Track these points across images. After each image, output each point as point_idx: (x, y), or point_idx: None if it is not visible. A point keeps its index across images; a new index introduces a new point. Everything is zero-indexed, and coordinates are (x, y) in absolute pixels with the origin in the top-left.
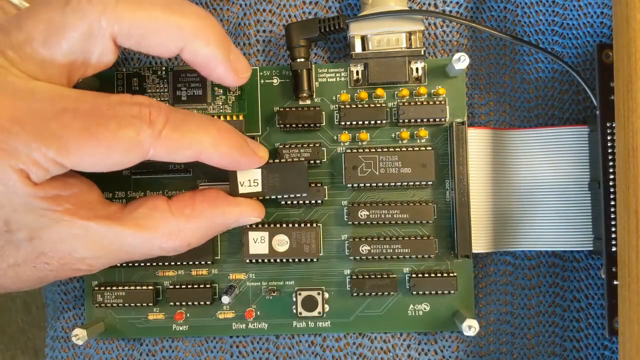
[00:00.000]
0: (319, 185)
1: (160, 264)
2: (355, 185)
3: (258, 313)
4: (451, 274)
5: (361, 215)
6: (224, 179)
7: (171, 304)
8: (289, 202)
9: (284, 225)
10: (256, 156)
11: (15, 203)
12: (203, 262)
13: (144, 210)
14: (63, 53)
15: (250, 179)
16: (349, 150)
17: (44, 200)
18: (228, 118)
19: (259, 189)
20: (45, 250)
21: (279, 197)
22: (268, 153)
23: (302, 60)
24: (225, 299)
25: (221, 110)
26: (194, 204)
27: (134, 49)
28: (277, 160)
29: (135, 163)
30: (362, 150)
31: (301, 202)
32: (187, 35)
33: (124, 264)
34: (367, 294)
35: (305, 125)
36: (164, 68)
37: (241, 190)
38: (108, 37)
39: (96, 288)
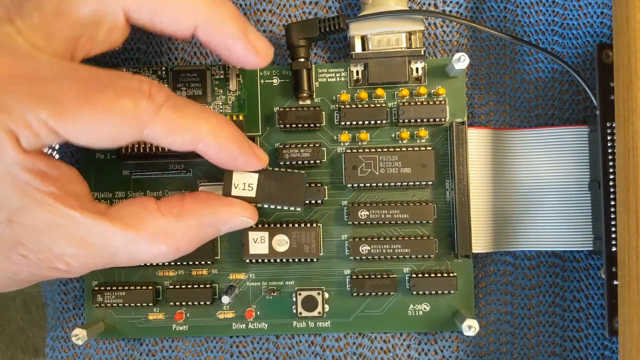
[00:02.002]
0: (319, 185)
1: (161, 264)
2: (355, 185)
3: (258, 313)
4: (451, 274)
5: (361, 215)
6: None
7: (171, 304)
8: None
9: (284, 225)
10: (255, 156)
11: (0, 172)
12: (203, 262)
13: (132, 208)
14: (72, 25)
15: (245, 182)
16: (349, 150)
17: (31, 173)
18: (228, 118)
19: (252, 194)
20: (23, 239)
21: (272, 206)
22: (268, 158)
23: (302, 60)
24: (225, 299)
25: (221, 110)
26: (183, 204)
27: (147, 27)
28: (277, 169)
29: (131, 140)
30: (362, 150)
31: None
32: (200, 11)
33: None
34: (367, 294)
35: (305, 125)
36: (163, 68)
37: (234, 192)
38: (120, 11)
39: (96, 288)
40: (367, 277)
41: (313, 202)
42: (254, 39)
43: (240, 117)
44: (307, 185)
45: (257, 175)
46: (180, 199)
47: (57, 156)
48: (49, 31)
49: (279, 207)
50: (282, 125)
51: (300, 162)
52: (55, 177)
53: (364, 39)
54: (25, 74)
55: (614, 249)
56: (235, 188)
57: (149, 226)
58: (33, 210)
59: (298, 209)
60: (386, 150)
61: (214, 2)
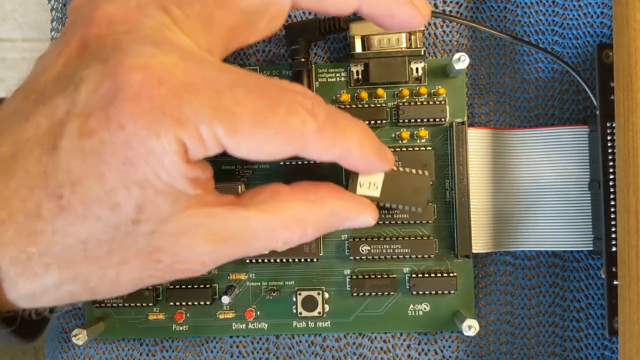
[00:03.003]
0: None
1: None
2: None
3: (258, 313)
4: (451, 274)
5: None
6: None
7: (171, 304)
8: None
9: None
10: (388, 162)
11: (161, 182)
12: None
13: (266, 195)
14: (236, 14)
15: (370, 182)
16: None
17: (189, 182)
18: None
19: (377, 193)
20: (162, 245)
21: (394, 206)
22: (394, 159)
23: (302, 60)
24: (225, 299)
25: None
26: (318, 191)
27: (311, 9)
28: (402, 169)
29: (285, 157)
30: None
31: None
32: None
33: None
34: (367, 294)
35: None
36: None
37: (359, 190)
38: None
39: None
40: (367, 277)
41: None
42: (415, 0)
43: None
44: (427, 201)
45: (382, 174)
46: (315, 186)
47: None
48: (209, 21)
49: (400, 207)
50: None
51: (300, 162)
52: (203, 180)
53: (364, 39)
54: (201, 81)
55: (614, 249)
56: (361, 187)
57: (285, 211)
58: (178, 216)
59: (420, 209)
60: None
61: None
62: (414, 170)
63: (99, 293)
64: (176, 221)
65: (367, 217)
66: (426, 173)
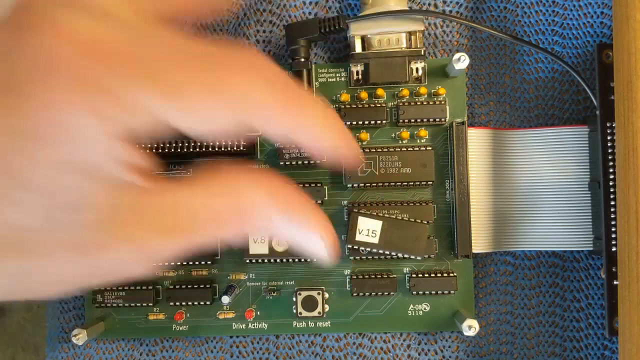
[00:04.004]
0: (319, 185)
1: (161, 264)
2: (355, 185)
3: (258, 313)
4: (451, 274)
5: None
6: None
7: (171, 304)
8: None
9: None
10: (356, 151)
11: (87, 163)
12: (203, 262)
13: (217, 177)
14: None
15: (369, 229)
16: None
17: (120, 165)
18: None
19: (375, 240)
20: (104, 240)
21: (393, 254)
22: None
23: (302, 60)
24: (225, 299)
25: None
26: (275, 183)
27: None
28: (401, 217)
29: (237, 134)
30: (362, 150)
31: None
32: None
33: None
34: (367, 294)
35: None
36: None
37: (358, 237)
38: None
39: (96, 288)
40: (367, 277)
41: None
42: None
43: None
44: (428, 236)
45: (381, 222)
46: (276, 179)
47: None
48: None
49: (398, 255)
50: None
51: (300, 162)
52: (142, 167)
53: (364, 39)
54: (131, 47)
55: (614, 249)
56: (360, 233)
57: (236, 193)
58: (119, 206)
59: (418, 257)
60: (386, 150)
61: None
62: (412, 219)
63: (37, 291)
64: (117, 212)
65: (322, 249)
66: (424, 222)
